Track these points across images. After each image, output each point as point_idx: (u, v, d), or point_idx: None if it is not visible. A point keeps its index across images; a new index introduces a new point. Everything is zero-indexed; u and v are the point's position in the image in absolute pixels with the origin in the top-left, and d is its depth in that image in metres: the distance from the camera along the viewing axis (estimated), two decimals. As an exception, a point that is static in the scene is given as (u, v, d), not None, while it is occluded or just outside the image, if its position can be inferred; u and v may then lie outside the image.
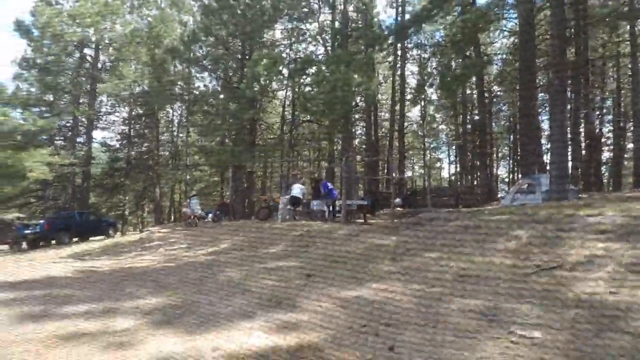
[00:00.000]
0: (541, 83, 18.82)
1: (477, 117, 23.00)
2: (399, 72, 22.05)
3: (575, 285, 3.92)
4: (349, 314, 4.29)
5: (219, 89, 21.59)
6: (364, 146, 26.19)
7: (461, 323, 3.64)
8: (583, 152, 18.31)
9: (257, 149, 19.02)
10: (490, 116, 23.90)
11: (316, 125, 21.94)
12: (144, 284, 6.72)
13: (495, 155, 29.39)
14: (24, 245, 15.34)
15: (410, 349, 3.15)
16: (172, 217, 27.83)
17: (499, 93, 25.17)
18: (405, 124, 25.28)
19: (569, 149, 13.30)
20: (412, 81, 25.40)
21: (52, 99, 23.37)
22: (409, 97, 21.99)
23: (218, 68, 20.51)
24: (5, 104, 19.47)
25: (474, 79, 18.34)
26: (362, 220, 11.33)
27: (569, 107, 13.88)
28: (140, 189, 27.00)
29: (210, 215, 16.44)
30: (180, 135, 29.20)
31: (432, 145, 33.62)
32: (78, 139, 25.06)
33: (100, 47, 24.41)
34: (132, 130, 28.13)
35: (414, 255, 6.40)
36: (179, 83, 22.83)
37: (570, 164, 13.14)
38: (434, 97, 26.75)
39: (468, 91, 24.34)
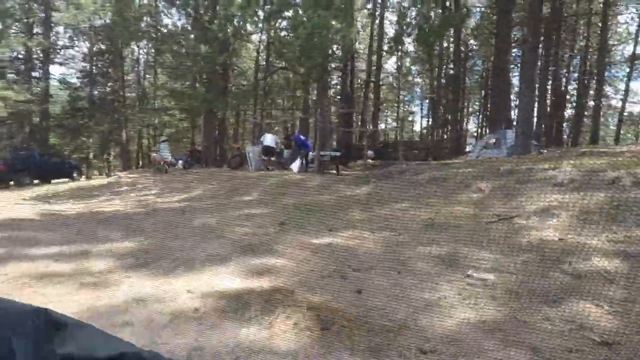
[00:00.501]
0: (516, 38, 18.83)
1: (451, 71, 22.97)
2: (377, 21, 21.29)
3: (530, 233, 4.27)
4: (320, 260, 4.51)
5: (189, 27, 20.13)
6: (339, 97, 25.80)
7: (424, 268, 3.93)
8: (548, 109, 18.97)
9: (230, 96, 18.34)
10: (464, 70, 23.93)
11: (291, 73, 21.23)
12: (115, 228, 6.67)
13: (466, 110, 29.89)
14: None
15: (376, 292, 3.39)
16: (140, 163, 27.05)
17: (474, 47, 25.03)
18: (382, 75, 24.92)
19: (535, 106, 13.75)
20: (390, 31, 24.65)
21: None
22: (386, 47, 21.48)
23: (188, 4, 18.98)
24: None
25: (451, 31, 18.05)
26: (335, 172, 11.51)
27: (538, 63, 14.11)
28: (106, 131, 25.77)
29: (180, 162, 16.13)
30: (148, 76, 27.56)
31: (406, 99, 33.62)
32: (33, 74, 23.14)
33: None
34: (94, 67, 26.17)
35: (384, 205, 6.67)
36: (145, 18, 21.03)
37: (535, 120, 13.66)
38: (411, 48, 26.27)
39: (445, 44, 24.02)
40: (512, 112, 16.23)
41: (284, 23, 16.46)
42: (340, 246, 4.93)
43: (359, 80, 27.45)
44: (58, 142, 26.12)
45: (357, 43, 24.31)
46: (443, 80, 24.86)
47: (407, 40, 21.31)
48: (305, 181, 8.87)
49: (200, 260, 4.83)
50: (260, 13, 16.89)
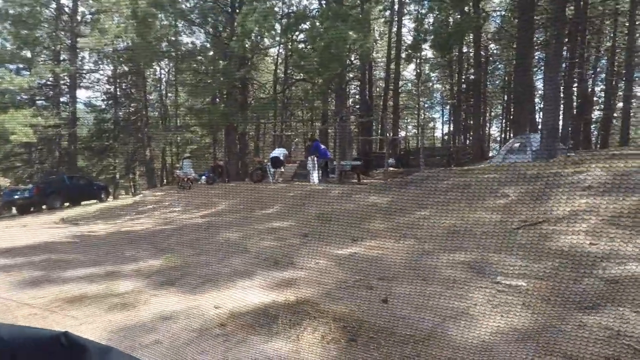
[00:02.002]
0: (538, 41, 18.45)
1: (472, 76, 22.68)
2: (395, 29, 21.34)
3: (559, 238, 4.12)
4: (345, 270, 4.48)
5: (208, 45, 20.76)
6: (357, 106, 25.86)
7: (450, 276, 3.85)
8: (574, 111, 18.38)
9: (250, 109, 18.69)
10: (485, 75, 23.56)
11: (310, 84, 21.48)
12: (142, 247, 6.85)
13: (488, 114, 29.33)
14: (14, 210, 15.24)
15: (402, 301, 3.34)
16: (165, 180, 27.77)
17: (495, 51, 24.67)
18: (400, 83, 24.87)
19: (561, 108, 13.37)
20: (408, 38, 24.66)
21: (29, 55, 22.22)
22: (404, 55, 21.47)
23: (207, 22, 19.60)
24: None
25: (471, 36, 17.87)
26: (357, 181, 11.48)
27: (563, 65, 13.76)
28: (130, 151, 26.63)
29: (203, 177, 16.46)
30: (169, 94, 28.42)
31: (426, 105, 33.33)
32: (61, 99, 24.23)
33: (78, -3, 22.97)
34: (118, 89, 27.20)
35: (407, 213, 6.58)
36: (165, 38, 21.83)
37: (561, 123, 13.27)
38: (430, 55, 26.16)
39: (465, 49, 23.79)
40: (537, 115, 15.81)
41: (302, 35, 16.73)
42: (364, 256, 4.90)
43: (378, 89, 27.47)
44: (86, 164, 27.15)
45: (375, 52, 24.42)
46: (464, 86, 24.56)
47: (425, 47, 21.32)
48: (327, 191, 8.88)
49: (225, 275, 4.89)
50: (278, 26, 17.24)
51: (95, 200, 16.83)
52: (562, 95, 13.16)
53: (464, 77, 25.10)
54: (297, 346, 2.87)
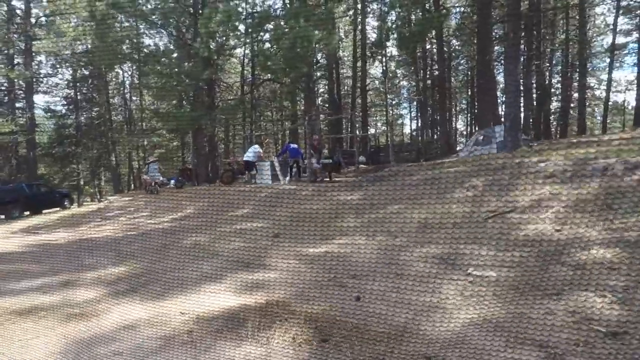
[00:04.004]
0: (497, 36, 19.11)
1: (436, 72, 23.21)
2: (359, 27, 21.50)
3: (526, 227, 4.20)
4: (316, 269, 4.39)
5: (172, 47, 20.13)
6: (326, 105, 25.90)
7: (423, 270, 3.83)
8: (534, 102, 19.16)
9: (217, 111, 18.28)
10: (449, 71, 24.19)
11: (277, 85, 21.28)
12: (104, 254, 6.49)
13: (454, 109, 30.14)
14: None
15: (376, 298, 3.28)
16: (132, 185, 26.77)
17: (457, 47, 25.36)
18: (368, 80, 25.10)
19: (522, 100, 13.87)
20: (373, 36, 24.94)
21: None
22: (370, 53, 21.68)
23: (169, 24, 18.99)
24: None
25: (433, 33, 18.25)
26: (328, 179, 11.43)
27: (522, 58, 14.29)
28: (95, 156, 25.50)
29: (172, 181, 15.95)
30: (134, 98, 27.43)
31: (394, 102, 33.83)
32: (17, 105, 22.89)
33: (30, -1, 21.76)
34: (78, 94, 25.97)
35: (378, 209, 6.58)
36: (126, 40, 20.97)
37: (522, 115, 13.77)
38: (395, 52, 26.55)
39: (428, 46, 24.32)
40: (500, 108, 16.36)
41: (267, 36, 16.53)
42: (336, 254, 4.83)
43: (346, 87, 27.62)
44: (47, 171, 25.78)
45: (341, 50, 24.53)
46: (429, 82, 25.10)
47: (390, 45, 21.62)
48: (298, 191, 8.76)
49: (193, 280, 4.68)
50: (242, 27, 16.94)
51: (57, 208, 15.96)
52: (521, 87, 13.67)
53: (428, 73, 25.64)
54: (268, 349, 2.75)
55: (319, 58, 20.04)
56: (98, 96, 25.71)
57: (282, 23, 15.33)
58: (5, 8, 21.08)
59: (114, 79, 27.50)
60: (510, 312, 2.77)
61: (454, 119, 30.58)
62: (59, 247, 7.91)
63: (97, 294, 4.59)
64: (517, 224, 4.29)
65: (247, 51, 21.85)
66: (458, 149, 19.12)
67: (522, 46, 14.88)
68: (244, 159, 11.94)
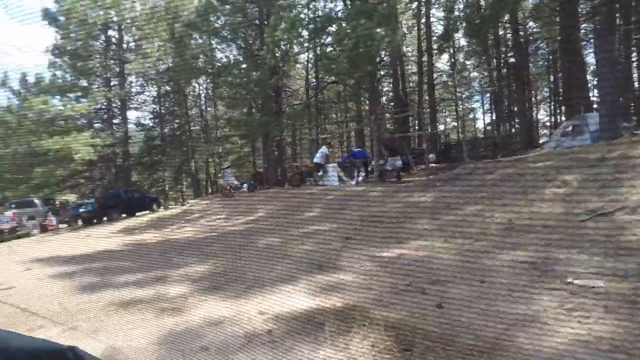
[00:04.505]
0: (584, 12, 16.97)
1: (512, 59, 21.40)
2: (423, 20, 20.68)
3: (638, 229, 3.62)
4: (391, 273, 4.25)
5: (241, 58, 21.30)
6: (391, 103, 25.33)
7: (512, 276, 3.50)
8: (635, 84, 16.68)
9: (284, 117, 18.87)
10: (527, 56, 22.09)
11: (341, 86, 21.32)
12: (189, 254, 7.00)
13: (534, 98, 27.53)
14: (80, 222, 16.56)
15: (460, 306, 3.06)
16: (209, 190, 28.75)
17: (535, 30, 23.06)
18: (435, 75, 24.02)
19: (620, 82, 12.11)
20: (438, 28, 23.77)
21: (85, 83, 24.05)
22: (436, 46, 20.71)
23: (237, 37, 20.13)
24: (45, 93, 20.32)
25: (506, 17, 16.80)
26: (397, 179, 11.12)
27: (617, 35, 12.50)
28: (177, 164, 27.91)
29: (245, 185, 16.77)
30: (209, 108, 29.50)
31: (464, 96, 31.93)
32: (114, 121, 25.96)
33: (122, 27, 24.53)
34: (162, 108, 28.67)
35: (454, 210, 6.20)
36: (201, 56, 22.65)
37: (621, 99, 12.03)
38: (463, 42, 25.02)
39: (501, 31, 22.49)
40: (591, 93, 14.48)
41: (329, 38, 16.66)
42: (411, 258, 4.63)
43: (412, 84, 26.77)
44: (138, 178, 28.83)
45: (405, 46, 23.84)
46: (504, 70, 23.23)
47: (458, 35, 20.45)
48: (367, 192, 8.65)
49: (269, 280, 4.82)
50: (305, 33, 17.27)
51: (147, 211, 17.72)
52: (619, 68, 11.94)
53: (502, 61, 23.67)
54: (347, 355, 2.69)
55: (382, 56, 19.66)
56: (178, 109, 28.13)
57: (343, 24, 15.33)
58: (103, 38, 24.07)
59: (191, 92, 29.86)
60: (627, 329, 2.38)
61: (534, 109, 27.95)
62: (151, 246, 8.74)
63: (184, 290, 4.93)
64: (627, 225, 3.71)
65: (310, 56, 22.26)
66: (541, 141, 17.42)
67: (618, 19, 12.97)
68: (314, 161, 12.13)
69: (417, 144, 21.32)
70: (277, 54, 15.91)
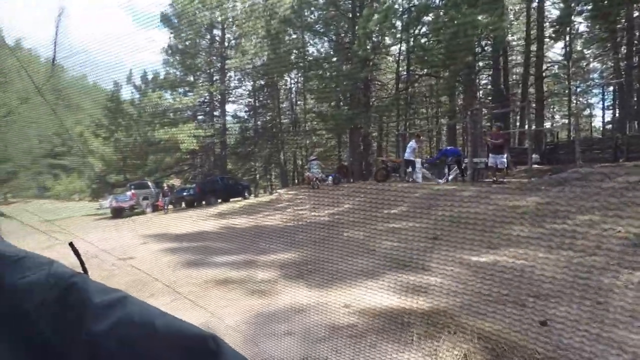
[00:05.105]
0: None
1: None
2: (534, 4, 18.53)
3: None
4: (485, 281, 3.93)
5: (332, 52, 21.62)
6: (489, 97, 23.38)
7: (638, 301, 2.97)
8: None
9: (372, 110, 18.70)
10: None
11: (434, 79, 20.32)
12: (276, 241, 7.38)
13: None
14: (183, 204, 18.65)
15: (569, 327, 2.70)
16: (296, 180, 29.96)
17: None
18: (544, 66, 21.46)
19: None
20: (552, 12, 21.05)
21: (192, 79, 26.84)
22: (549, 32, 18.45)
23: (330, 31, 20.44)
24: (160, 88, 23.22)
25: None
26: (492, 180, 10.27)
27: None
28: (267, 155, 29.63)
29: (330, 178, 17.08)
30: (299, 102, 30.61)
31: (578, 89, 28.00)
32: (214, 113, 28.52)
33: (225, 26, 26.68)
34: (256, 101, 30.58)
35: (563, 218, 5.49)
36: (294, 51, 23.58)
37: None
38: (583, 28, 21.85)
39: (636, 13, 19.04)
40: None
41: (424, 29, 15.97)
42: (508, 266, 4.23)
43: (515, 76, 24.37)
44: (233, 167, 31.34)
45: (509, 35, 21.72)
46: (635, 59, 19.73)
47: (577, 19, 17.90)
48: (458, 192, 8.13)
49: (352, 274, 4.83)
50: (398, 23, 16.80)
51: (240, 198, 19.19)
52: None
53: (633, 48, 20.04)
54: (435, 362, 2.56)
55: (483, 46, 18.20)
56: (271, 102, 29.76)
57: (441, 13, 14.53)
58: (208, 36, 26.48)
59: (283, 86, 31.31)
60: None
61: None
62: (242, 230, 9.44)
63: (271, 275, 5.21)
64: None
65: (402, 48, 21.62)
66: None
67: None
68: (405, 157, 11.83)
69: (517, 142, 19.36)
70: (368, 47, 15.76)
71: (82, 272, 0.65)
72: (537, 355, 2.39)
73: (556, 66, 25.42)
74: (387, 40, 19.20)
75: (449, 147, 12.04)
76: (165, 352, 0.52)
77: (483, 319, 2.96)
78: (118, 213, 17.37)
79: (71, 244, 0.82)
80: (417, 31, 16.74)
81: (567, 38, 22.43)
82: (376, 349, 2.78)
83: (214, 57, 27.05)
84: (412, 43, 17.42)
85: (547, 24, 19.04)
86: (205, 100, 28.73)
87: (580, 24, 20.79)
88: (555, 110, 30.00)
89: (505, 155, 10.17)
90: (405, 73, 21.87)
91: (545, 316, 2.91)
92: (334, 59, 20.20)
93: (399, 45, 21.25)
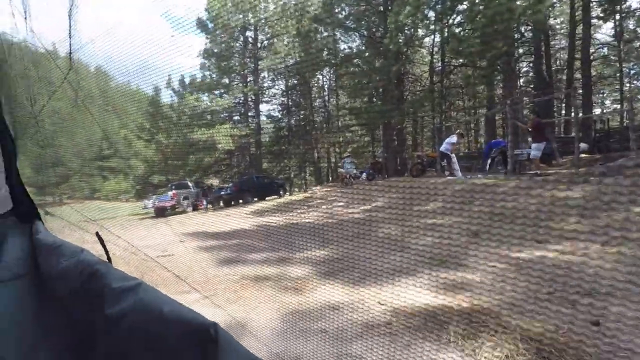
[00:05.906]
0: None
1: None
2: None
3: None
4: (528, 278, 3.71)
5: (364, 47, 21.37)
6: (531, 85, 22.16)
7: None
8: None
9: (406, 105, 18.30)
10: None
11: (470, 69, 19.52)
12: (310, 238, 7.39)
13: None
14: (221, 203, 19.21)
15: (626, 328, 2.47)
16: (330, 178, 29.99)
17: None
18: (592, 49, 20.04)
19: None
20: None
21: (227, 81, 27.56)
22: (596, 13, 17.20)
23: (361, 26, 20.19)
24: (197, 91, 24.04)
25: None
26: (535, 171, 9.72)
27: None
28: (301, 153, 29.88)
29: (364, 174, 16.93)
30: (331, 99, 30.60)
31: (631, 72, 25.86)
32: (249, 113, 29.13)
33: (258, 28, 27.13)
34: (289, 100, 30.90)
35: (616, 210, 5.08)
36: (325, 49, 23.54)
37: None
38: (635, 4, 20.17)
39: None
40: None
41: (458, 18, 15.39)
42: (556, 263, 3.96)
43: (558, 61, 22.96)
44: (268, 165, 31.88)
45: (552, 18, 20.46)
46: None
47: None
48: (499, 185, 7.75)
49: (387, 271, 4.73)
50: (431, 14, 16.31)
51: (275, 196, 19.49)
52: None
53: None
54: (475, 363, 2.44)
55: (522, 31, 17.27)
56: (303, 101, 29.95)
57: (477, 0, 13.92)
58: (242, 39, 27.04)
59: (315, 84, 31.39)
60: None
61: None
62: (276, 228, 9.54)
63: (305, 272, 5.22)
64: None
65: (436, 39, 20.93)
66: None
67: None
68: (440, 149, 11.55)
69: (563, 130, 18.23)
70: (400, 40, 15.41)
71: (106, 260, 0.75)
72: (588, 358, 2.21)
73: (605, 48, 23.63)
74: (420, 32, 18.68)
75: (493, 141, 11.62)
76: (170, 335, 0.58)
77: (528, 319, 2.78)
78: (161, 212, 18.19)
79: (97, 234, 0.88)
80: (451, 21, 16.15)
81: (617, 17, 20.75)
82: (412, 348, 2.69)
83: (248, 59, 27.60)
84: (446, 33, 16.84)
85: (594, 3, 17.73)
86: (240, 101, 29.39)
87: (633, 1, 19.21)
88: (605, 95, 27.91)
89: (546, 145, 9.60)
90: (439, 65, 21.20)
91: (598, 316, 2.69)
92: (366, 54, 19.93)
93: (432, 37, 20.63)
